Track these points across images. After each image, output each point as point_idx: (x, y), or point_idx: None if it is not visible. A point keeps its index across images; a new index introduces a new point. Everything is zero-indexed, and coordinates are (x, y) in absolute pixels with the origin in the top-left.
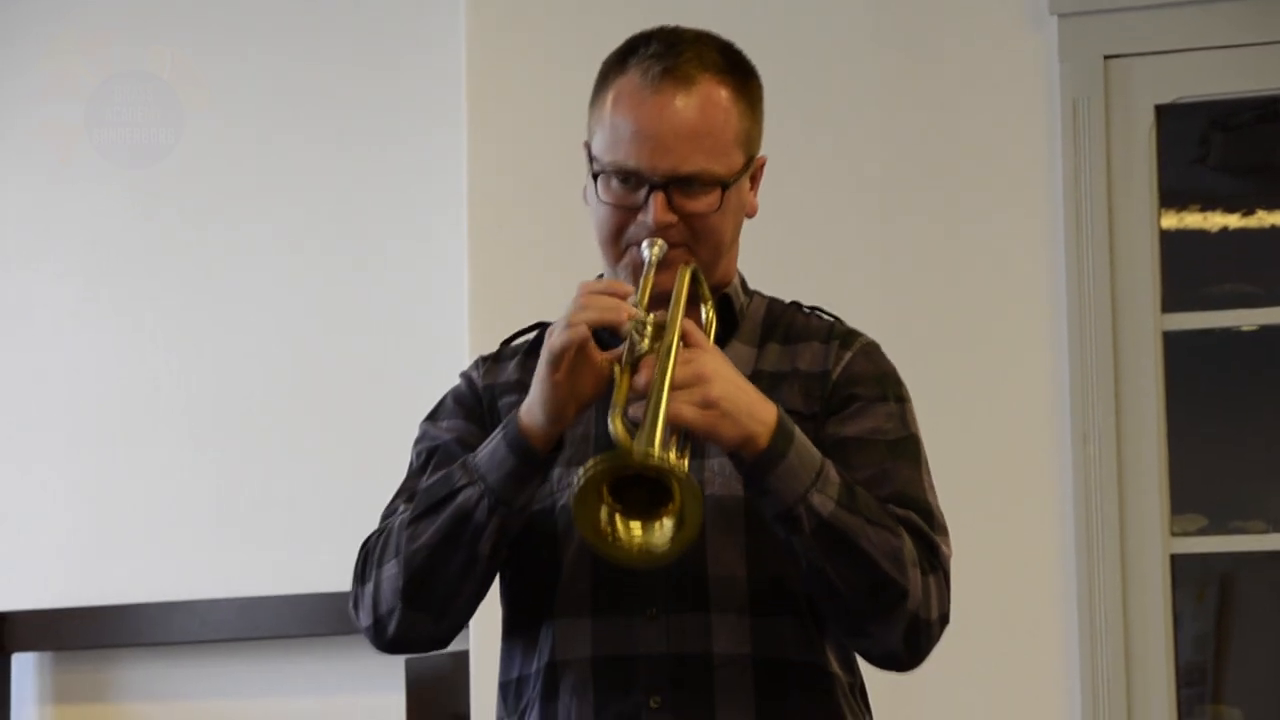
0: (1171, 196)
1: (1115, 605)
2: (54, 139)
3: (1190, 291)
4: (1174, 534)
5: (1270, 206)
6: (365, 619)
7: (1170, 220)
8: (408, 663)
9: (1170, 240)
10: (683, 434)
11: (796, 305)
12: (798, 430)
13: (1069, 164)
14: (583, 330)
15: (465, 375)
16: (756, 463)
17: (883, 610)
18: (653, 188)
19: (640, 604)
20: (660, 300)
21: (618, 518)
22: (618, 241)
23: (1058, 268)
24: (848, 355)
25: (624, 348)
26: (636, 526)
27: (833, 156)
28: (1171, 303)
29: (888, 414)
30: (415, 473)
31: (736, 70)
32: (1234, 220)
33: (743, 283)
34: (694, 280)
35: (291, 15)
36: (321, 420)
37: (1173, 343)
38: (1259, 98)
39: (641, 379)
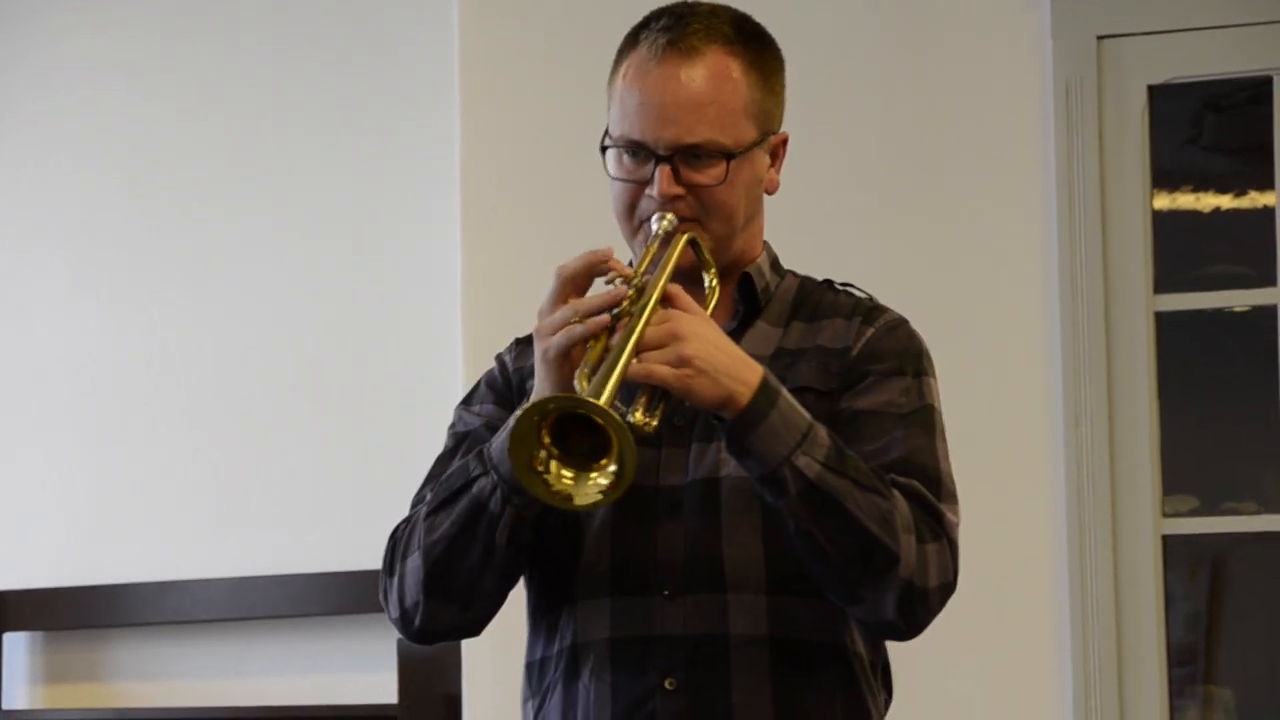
0: (1164, 177)
1: (1107, 586)
2: (50, 130)
3: (1182, 272)
4: (1166, 515)
5: (1262, 187)
6: (394, 611)
7: (1163, 201)
8: (399, 643)
9: (1162, 221)
10: (659, 394)
11: (828, 283)
12: (784, 392)
13: (1061, 144)
14: (559, 340)
15: (499, 358)
16: (737, 422)
17: (873, 575)
18: (658, 160)
19: (657, 584)
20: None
21: (553, 462)
22: (631, 216)
23: (1050, 248)
24: (870, 331)
25: (610, 314)
26: (568, 474)
27: (825, 137)
28: (1164, 283)
29: (904, 388)
30: (444, 457)
31: (750, 42)
32: (1226, 201)
33: (774, 262)
34: (695, 249)
35: (286, 9)
36: (314, 402)
37: (1165, 323)
38: (1251, 78)
39: (616, 340)
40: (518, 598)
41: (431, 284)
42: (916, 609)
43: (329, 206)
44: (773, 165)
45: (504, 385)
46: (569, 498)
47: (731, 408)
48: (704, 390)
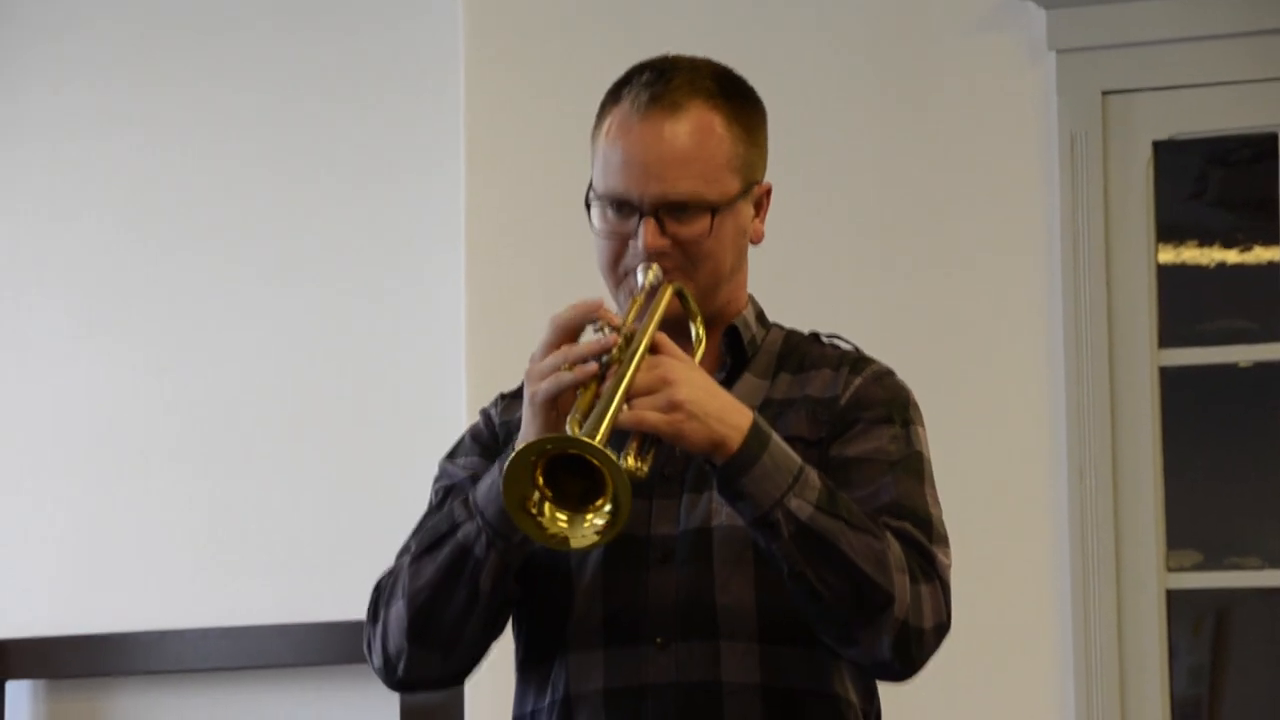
0: (1169, 231)
1: (1111, 639)
2: (50, 171)
3: (1187, 327)
4: (1170, 569)
5: (1267, 243)
6: (377, 660)
7: (1167, 255)
8: (402, 694)
9: (1167, 275)
10: (649, 440)
11: (815, 336)
12: (775, 436)
13: (1066, 198)
14: (547, 387)
15: (484, 412)
16: (728, 466)
17: (868, 616)
18: (643, 214)
19: (649, 633)
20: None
21: (547, 505)
22: (615, 269)
23: (1054, 302)
24: (857, 381)
25: (599, 361)
26: (563, 517)
27: (829, 190)
28: (1168, 338)
29: (892, 436)
30: (430, 512)
31: (732, 96)
32: (1231, 256)
33: (759, 315)
34: (681, 299)
35: (289, 48)
36: (317, 450)
37: (1169, 378)
38: (1256, 134)
39: (606, 386)
40: (511, 648)
41: (436, 332)
42: (912, 649)
43: (331, 253)
44: (757, 216)
45: (489, 438)
46: (565, 540)
47: (723, 452)
48: (695, 434)
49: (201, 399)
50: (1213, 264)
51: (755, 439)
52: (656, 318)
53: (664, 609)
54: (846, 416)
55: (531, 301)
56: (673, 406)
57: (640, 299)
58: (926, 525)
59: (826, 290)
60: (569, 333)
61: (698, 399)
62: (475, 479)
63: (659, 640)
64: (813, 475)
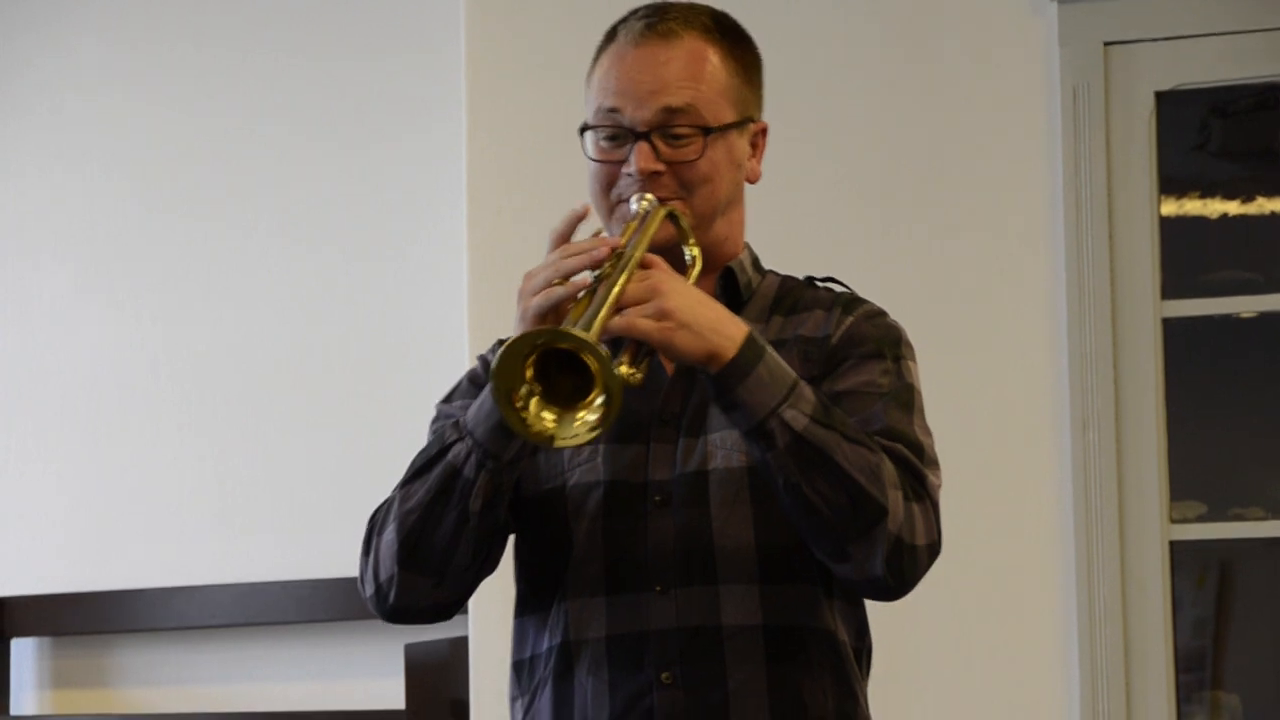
0: (1171, 183)
1: (1114, 592)
2: (55, 137)
3: (1190, 278)
4: (1173, 521)
5: (1270, 193)
6: (369, 587)
7: (1170, 207)
8: (407, 648)
9: (1170, 227)
10: (643, 349)
11: (809, 280)
12: (770, 349)
13: (1069, 150)
14: (539, 302)
15: (482, 358)
16: (723, 375)
17: (862, 528)
18: (637, 137)
19: (650, 580)
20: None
21: (534, 400)
22: (607, 195)
23: (1057, 254)
24: (849, 320)
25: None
26: (550, 414)
27: (830, 142)
28: (1171, 289)
29: (883, 370)
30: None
31: (727, 34)
32: (1234, 207)
33: (755, 262)
34: (674, 221)
35: (291, 10)
36: (321, 407)
37: (1172, 329)
38: (1259, 84)
39: (598, 294)
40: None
41: (438, 287)
42: (904, 565)
43: (335, 212)
44: (754, 155)
45: (487, 380)
46: (550, 438)
47: (717, 361)
48: (686, 344)
49: (208, 358)
50: (1215, 215)
51: (750, 349)
52: (648, 236)
53: (663, 556)
54: (837, 354)
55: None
56: (663, 315)
57: (634, 225)
58: (918, 449)
59: (826, 243)
60: (571, 222)
61: (689, 307)
62: None
63: (659, 588)
64: (807, 389)
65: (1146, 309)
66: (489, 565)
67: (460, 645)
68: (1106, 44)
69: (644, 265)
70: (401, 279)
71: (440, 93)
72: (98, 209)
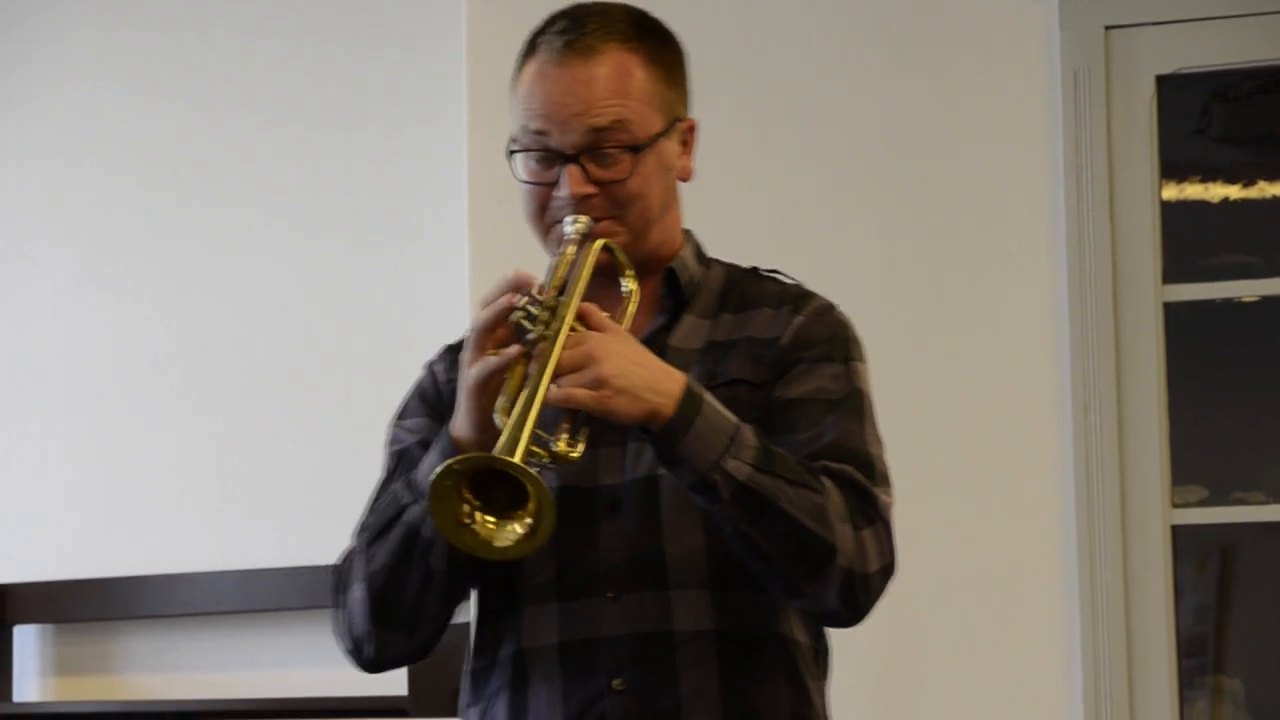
0: (1172, 167)
1: (1116, 577)
2: (57, 124)
3: (1191, 262)
4: (1175, 505)
5: (1271, 177)
6: (344, 644)
7: (1171, 191)
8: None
9: (1171, 211)
10: (581, 418)
11: (755, 271)
12: (708, 397)
13: (1069, 134)
14: (475, 373)
15: (429, 367)
16: (663, 434)
17: (812, 568)
18: (566, 160)
19: (601, 587)
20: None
21: (478, 513)
22: (542, 217)
23: (1058, 238)
24: (798, 320)
25: (527, 337)
26: (491, 521)
27: (829, 128)
28: (1172, 274)
29: (834, 375)
30: (384, 481)
31: (647, 37)
32: (1235, 191)
33: (698, 252)
34: (610, 253)
35: (295, 5)
36: (322, 393)
37: (1173, 314)
38: (1260, 68)
39: (533, 366)
40: None
41: (440, 277)
42: (858, 596)
43: (336, 202)
44: (684, 154)
45: (434, 396)
46: (491, 544)
47: (656, 421)
48: (625, 408)
49: (209, 347)
50: (1217, 199)
51: (688, 403)
52: (581, 285)
53: (614, 563)
54: (788, 356)
55: (535, 248)
56: (599, 383)
57: (567, 257)
58: (868, 466)
59: (828, 229)
60: (497, 317)
61: (624, 370)
62: (423, 443)
63: (610, 594)
64: (748, 434)
65: (1148, 293)
66: (458, 602)
67: (462, 632)
68: (1107, 28)
69: (581, 315)
70: (402, 269)
71: (442, 83)
72: (97, 199)
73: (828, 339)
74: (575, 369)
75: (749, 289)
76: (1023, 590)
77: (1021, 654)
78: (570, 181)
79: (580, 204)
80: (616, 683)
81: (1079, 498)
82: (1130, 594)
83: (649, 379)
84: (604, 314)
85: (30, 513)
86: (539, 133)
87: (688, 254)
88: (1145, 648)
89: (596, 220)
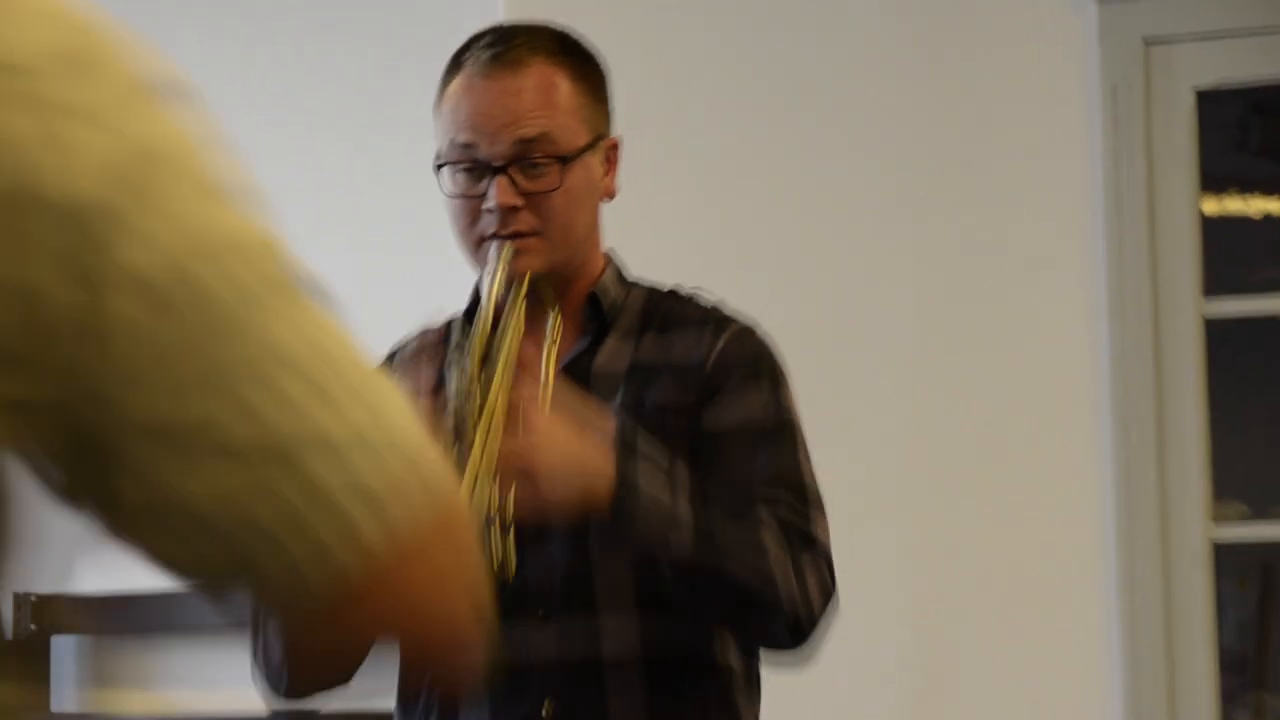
0: (1212, 181)
1: (1156, 593)
2: None
3: (1231, 277)
4: (1215, 521)
5: None
6: (260, 671)
7: (1211, 205)
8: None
9: (1211, 225)
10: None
11: (674, 292)
12: (640, 483)
13: (1108, 148)
14: None
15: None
16: (600, 529)
17: (758, 616)
18: (494, 171)
19: (531, 606)
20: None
21: None
22: (471, 233)
23: (1098, 253)
24: (720, 343)
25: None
26: None
27: (868, 140)
28: (1212, 288)
29: (762, 403)
30: None
31: (571, 54)
32: (1275, 205)
33: (618, 275)
34: (535, 288)
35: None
36: None
37: (1214, 328)
38: None
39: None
40: None
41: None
42: (805, 629)
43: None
44: (608, 173)
45: None
46: None
47: (595, 517)
48: (564, 514)
49: None
50: (1257, 213)
51: (625, 493)
52: (513, 348)
53: (544, 583)
54: (713, 381)
55: None
56: (536, 499)
57: (487, 312)
58: (800, 491)
59: (862, 241)
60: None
61: (555, 465)
62: None
63: (541, 613)
64: (683, 509)
65: (1187, 308)
66: None
67: None
68: (1146, 41)
69: (519, 362)
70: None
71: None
72: None
73: (752, 361)
74: (508, 473)
75: (670, 310)
76: (1062, 607)
77: (1061, 671)
78: (499, 192)
79: (508, 215)
80: (546, 708)
81: (1119, 514)
82: (1171, 611)
83: (580, 479)
84: (531, 401)
85: (71, 521)
86: (466, 145)
87: (609, 276)
88: (1186, 665)
89: (522, 235)
